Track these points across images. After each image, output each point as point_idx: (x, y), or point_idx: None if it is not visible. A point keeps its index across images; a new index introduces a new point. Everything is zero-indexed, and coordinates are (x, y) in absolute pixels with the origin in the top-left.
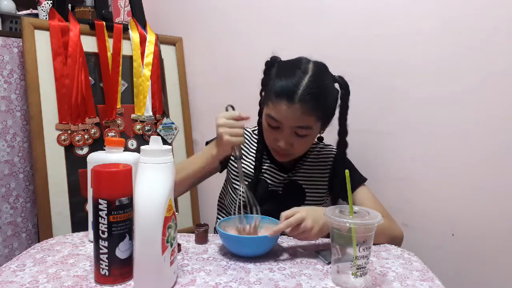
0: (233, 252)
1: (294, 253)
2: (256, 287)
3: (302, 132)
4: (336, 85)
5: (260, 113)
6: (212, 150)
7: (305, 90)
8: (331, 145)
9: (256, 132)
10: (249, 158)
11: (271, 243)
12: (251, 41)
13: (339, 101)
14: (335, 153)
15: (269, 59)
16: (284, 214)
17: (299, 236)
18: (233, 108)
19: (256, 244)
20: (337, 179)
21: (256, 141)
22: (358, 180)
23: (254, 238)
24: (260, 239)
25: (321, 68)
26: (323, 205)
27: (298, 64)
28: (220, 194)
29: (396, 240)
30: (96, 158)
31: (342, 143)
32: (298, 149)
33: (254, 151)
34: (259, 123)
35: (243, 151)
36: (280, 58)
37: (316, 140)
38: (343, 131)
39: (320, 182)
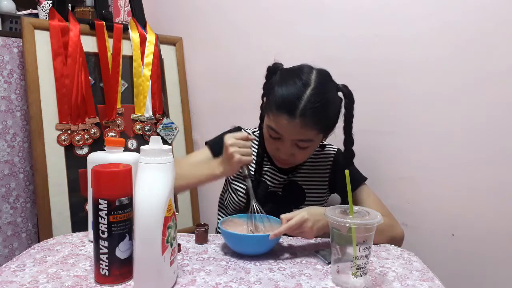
0: (234, 250)
1: (294, 253)
2: (256, 287)
3: (303, 145)
4: (340, 94)
5: (261, 117)
6: (216, 169)
7: (306, 105)
8: (330, 144)
9: (256, 134)
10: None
11: (272, 242)
12: (251, 41)
13: (343, 110)
14: (334, 152)
15: (271, 65)
16: (284, 216)
17: (297, 235)
18: (240, 129)
19: (257, 242)
20: (339, 183)
21: (257, 144)
22: (359, 179)
23: (255, 236)
24: (262, 238)
25: (324, 78)
26: (323, 205)
27: (300, 74)
28: (220, 194)
29: (397, 240)
30: (96, 158)
31: (349, 152)
32: (299, 159)
33: (255, 154)
34: (260, 127)
35: None
36: (282, 65)
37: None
38: (349, 141)
39: (320, 182)
